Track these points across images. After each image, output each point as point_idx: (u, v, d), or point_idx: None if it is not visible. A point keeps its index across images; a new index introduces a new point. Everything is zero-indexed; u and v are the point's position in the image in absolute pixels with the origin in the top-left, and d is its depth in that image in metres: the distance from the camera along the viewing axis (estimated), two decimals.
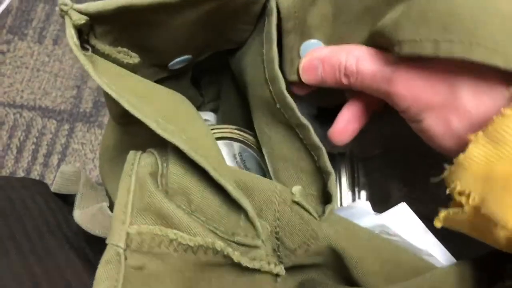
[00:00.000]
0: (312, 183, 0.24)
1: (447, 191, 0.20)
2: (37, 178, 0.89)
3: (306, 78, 0.26)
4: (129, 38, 0.23)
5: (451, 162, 0.20)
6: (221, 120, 0.35)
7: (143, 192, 0.20)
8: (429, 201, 0.27)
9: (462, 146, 0.19)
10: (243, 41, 0.29)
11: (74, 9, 0.19)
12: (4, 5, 1.03)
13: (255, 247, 0.21)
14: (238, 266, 0.20)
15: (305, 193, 0.24)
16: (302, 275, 0.24)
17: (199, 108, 0.36)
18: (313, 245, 0.22)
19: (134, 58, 0.23)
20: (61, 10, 0.19)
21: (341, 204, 0.30)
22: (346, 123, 0.26)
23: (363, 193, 0.31)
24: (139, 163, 0.21)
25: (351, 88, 0.25)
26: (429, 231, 0.23)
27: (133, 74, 0.23)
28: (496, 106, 0.19)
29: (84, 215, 0.30)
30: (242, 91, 0.30)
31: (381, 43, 0.23)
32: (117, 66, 0.22)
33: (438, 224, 0.20)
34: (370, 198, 0.32)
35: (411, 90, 0.22)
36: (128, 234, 0.19)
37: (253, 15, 0.26)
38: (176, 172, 0.21)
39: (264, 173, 0.29)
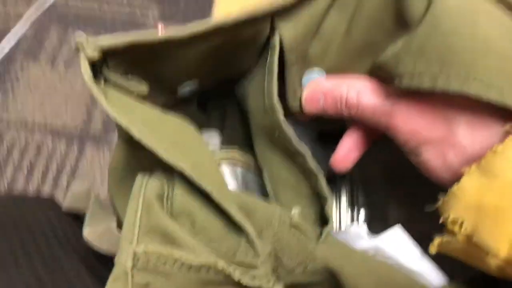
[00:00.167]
0: (310, 206, 0.26)
1: (441, 220, 0.21)
2: None
3: (308, 109, 0.27)
4: (140, 69, 0.24)
5: (446, 192, 0.21)
6: (225, 142, 0.36)
7: (149, 213, 0.22)
8: (429, 220, 0.28)
9: (457, 178, 0.20)
10: (249, 70, 0.30)
11: (89, 44, 0.21)
12: (20, 32, 1.06)
13: (255, 266, 0.22)
14: (238, 285, 0.21)
15: (302, 213, 0.25)
16: None
17: (204, 126, 0.38)
18: (310, 265, 0.23)
19: (144, 87, 0.25)
20: (77, 45, 0.21)
21: (339, 223, 0.31)
22: (348, 152, 0.27)
23: (362, 213, 0.32)
24: (147, 186, 0.23)
25: (352, 119, 0.26)
26: (423, 254, 0.24)
27: (142, 103, 0.24)
28: (491, 142, 0.20)
29: (93, 233, 0.31)
30: (246, 116, 0.31)
31: (382, 76, 0.24)
32: (127, 95, 0.24)
33: (433, 250, 0.21)
34: (369, 217, 0.33)
35: (410, 125, 0.22)
36: (135, 253, 0.21)
37: (258, 47, 0.27)
38: (181, 195, 0.22)
39: (266, 194, 0.30)
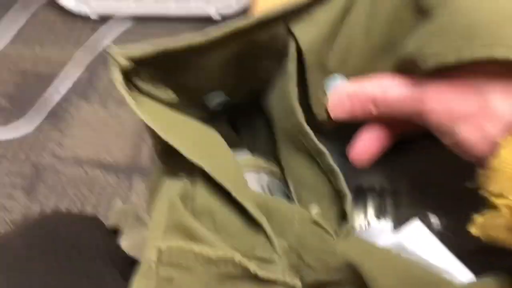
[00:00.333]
0: (331, 206, 0.26)
1: (482, 194, 0.20)
2: None
3: (335, 113, 0.27)
4: (168, 78, 0.26)
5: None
6: (254, 153, 0.37)
7: (173, 212, 0.23)
8: (463, 233, 0.27)
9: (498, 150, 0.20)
10: (271, 79, 0.31)
11: (120, 54, 0.23)
12: (75, 75, 1.15)
13: (273, 261, 0.22)
14: (256, 279, 0.22)
15: (324, 213, 0.25)
16: None
17: (235, 147, 0.39)
18: (331, 262, 0.23)
19: (171, 95, 0.26)
20: (109, 55, 0.23)
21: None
22: (366, 144, 0.27)
23: (390, 225, 0.32)
24: (171, 188, 0.24)
25: (380, 117, 0.26)
26: (444, 247, 0.23)
27: (169, 109, 0.26)
28: None
29: (130, 244, 0.33)
30: (271, 127, 0.32)
31: (405, 68, 0.24)
32: (156, 102, 0.26)
33: (474, 230, 0.20)
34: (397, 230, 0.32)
35: (443, 104, 0.22)
36: (159, 249, 0.22)
37: (276, 52, 0.28)
38: (202, 195, 0.24)
39: (290, 202, 0.31)
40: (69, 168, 1.02)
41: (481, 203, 0.20)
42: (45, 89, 1.12)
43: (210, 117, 0.33)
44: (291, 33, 0.26)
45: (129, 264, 0.36)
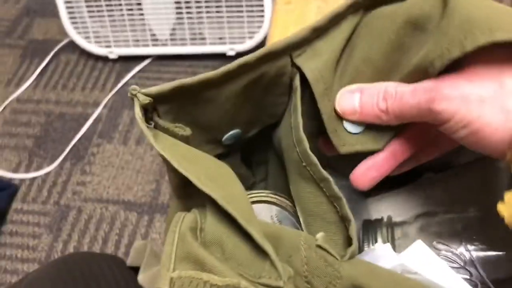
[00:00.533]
0: (337, 232, 0.27)
1: None
2: None
3: (341, 105, 0.28)
4: (185, 115, 0.28)
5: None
6: (267, 189, 0.38)
7: (184, 243, 0.24)
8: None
9: None
10: (281, 115, 0.33)
11: (141, 92, 0.25)
12: (96, 114, 1.18)
13: (278, 287, 0.23)
14: None
15: (329, 239, 0.26)
16: None
17: (251, 187, 0.40)
18: (338, 284, 0.24)
19: (187, 131, 0.28)
20: (131, 94, 0.25)
21: None
22: (366, 169, 0.28)
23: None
24: (183, 220, 0.25)
25: (388, 116, 0.26)
26: (448, 267, 0.24)
27: (185, 144, 0.28)
28: None
29: (147, 278, 0.33)
30: (282, 160, 0.34)
31: (415, 79, 0.25)
32: (173, 138, 0.27)
33: (503, 209, 0.20)
34: None
35: (458, 89, 0.23)
36: (171, 278, 0.23)
37: (284, 87, 0.30)
38: (212, 225, 0.25)
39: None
40: (90, 205, 1.04)
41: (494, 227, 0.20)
42: (67, 129, 1.17)
43: (224, 154, 0.34)
44: (295, 65, 0.28)
45: None
